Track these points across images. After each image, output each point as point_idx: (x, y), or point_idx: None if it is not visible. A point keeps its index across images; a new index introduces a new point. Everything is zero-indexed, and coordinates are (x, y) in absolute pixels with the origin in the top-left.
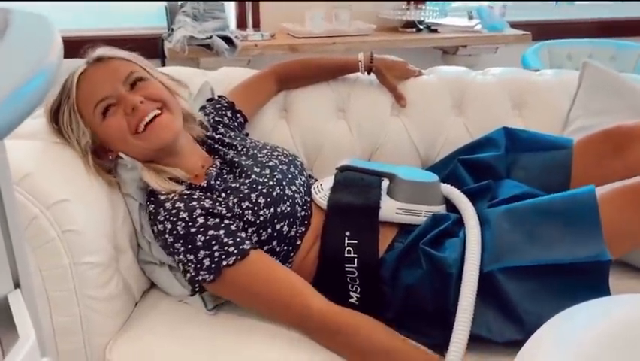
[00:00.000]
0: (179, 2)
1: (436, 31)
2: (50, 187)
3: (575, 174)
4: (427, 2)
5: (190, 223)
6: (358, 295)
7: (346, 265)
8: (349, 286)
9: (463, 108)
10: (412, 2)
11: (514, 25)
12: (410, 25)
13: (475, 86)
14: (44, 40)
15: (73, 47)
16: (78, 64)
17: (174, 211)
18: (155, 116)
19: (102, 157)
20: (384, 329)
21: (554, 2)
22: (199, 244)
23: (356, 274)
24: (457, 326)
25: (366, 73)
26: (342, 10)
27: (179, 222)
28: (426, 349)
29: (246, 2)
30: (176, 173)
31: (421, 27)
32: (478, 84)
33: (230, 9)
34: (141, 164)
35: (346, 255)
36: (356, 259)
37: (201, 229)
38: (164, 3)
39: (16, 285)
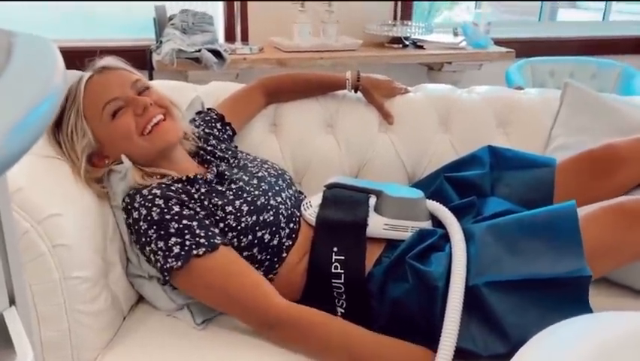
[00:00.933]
0: (168, 15)
1: (421, 47)
2: (41, 202)
3: (557, 193)
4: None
5: (165, 210)
6: (343, 310)
7: (333, 281)
8: (336, 300)
9: (449, 125)
10: (399, 18)
11: (498, 42)
12: (396, 41)
13: (461, 103)
14: (49, 64)
15: (64, 58)
16: (76, 74)
17: (150, 197)
18: (160, 121)
19: (96, 164)
20: (356, 326)
21: (537, 20)
22: (172, 230)
23: (342, 289)
24: (443, 338)
25: (353, 91)
26: (329, 25)
27: (154, 208)
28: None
29: (235, 14)
30: (167, 172)
31: (407, 43)
32: (464, 102)
33: (219, 22)
34: (134, 165)
35: (333, 270)
36: (343, 275)
37: (175, 217)
38: (153, 15)
39: (12, 302)
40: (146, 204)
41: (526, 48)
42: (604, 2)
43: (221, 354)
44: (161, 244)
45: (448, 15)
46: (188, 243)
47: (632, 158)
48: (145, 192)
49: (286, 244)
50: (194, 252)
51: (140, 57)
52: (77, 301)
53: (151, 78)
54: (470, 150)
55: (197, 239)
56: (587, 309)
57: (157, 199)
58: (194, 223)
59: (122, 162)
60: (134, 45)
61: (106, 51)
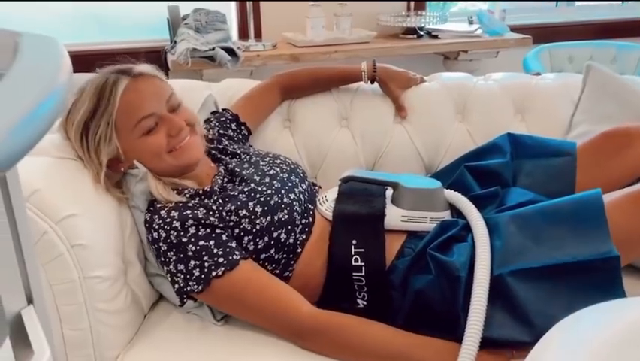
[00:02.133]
0: (182, 15)
1: (436, 37)
2: (59, 202)
3: (579, 178)
4: (428, 4)
5: (182, 233)
6: (365, 303)
7: (354, 274)
8: (357, 293)
9: (466, 114)
10: (413, 8)
11: (514, 29)
12: (411, 31)
13: (478, 91)
14: (54, 62)
15: (78, 61)
16: (102, 72)
17: (168, 220)
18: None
19: (111, 169)
20: (388, 326)
21: (554, 4)
22: (190, 253)
23: (364, 282)
24: (468, 328)
25: (369, 82)
26: (342, 18)
27: (172, 231)
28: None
29: (247, 11)
30: (185, 183)
31: (421, 33)
32: (480, 90)
33: (232, 19)
34: (151, 174)
35: (354, 263)
36: (363, 267)
37: (192, 239)
38: (167, 15)
39: (29, 301)
40: (165, 226)
41: (543, 34)
42: None
43: (241, 350)
44: (181, 266)
45: (464, 5)
46: (207, 265)
47: None
48: (163, 213)
49: (300, 238)
50: (214, 273)
51: (155, 58)
52: (98, 300)
53: (167, 78)
54: (488, 139)
55: (216, 259)
56: (620, 293)
57: (174, 222)
58: (212, 243)
59: (135, 167)
60: (148, 46)
61: (122, 53)
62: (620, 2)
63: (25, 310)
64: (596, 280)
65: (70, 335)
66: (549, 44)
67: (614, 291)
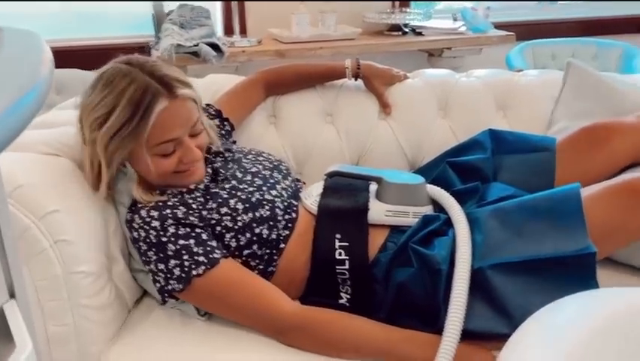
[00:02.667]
0: (166, 11)
1: (420, 34)
2: (42, 198)
3: (559, 172)
4: (412, 3)
5: (162, 232)
6: (349, 296)
7: (337, 267)
8: (340, 287)
9: (449, 111)
10: (397, 6)
11: (498, 26)
12: (395, 28)
13: (460, 88)
14: (36, 56)
15: (62, 56)
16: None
17: (148, 219)
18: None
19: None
20: (369, 320)
21: (537, 2)
22: (170, 253)
23: (347, 275)
24: (449, 320)
25: (353, 79)
26: (328, 15)
27: (151, 231)
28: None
29: (232, 8)
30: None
31: (406, 30)
32: (463, 87)
33: (217, 15)
34: (137, 176)
35: (337, 257)
36: (347, 261)
37: (172, 239)
38: (152, 11)
39: (12, 295)
40: (144, 226)
41: (526, 31)
42: None
43: (224, 345)
44: (161, 266)
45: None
46: (187, 263)
47: (622, 130)
48: (143, 213)
49: (283, 234)
50: (194, 272)
51: (139, 54)
52: (81, 296)
53: None
54: (470, 135)
55: (196, 258)
56: (594, 287)
57: (153, 221)
58: (192, 242)
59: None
60: (133, 42)
61: (106, 49)
62: (601, 1)
63: (7, 305)
64: (572, 275)
65: (53, 330)
66: (532, 41)
67: (589, 285)
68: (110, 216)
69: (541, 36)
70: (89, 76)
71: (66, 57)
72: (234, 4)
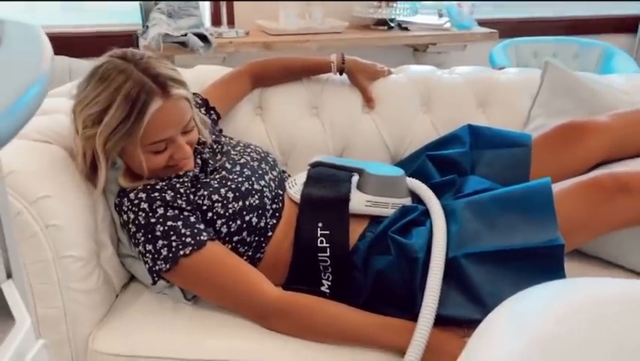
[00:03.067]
0: (154, 0)
1: (406, 29)
2: (33, 184)
3: (533, 169)
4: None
5: (150, 214)
6: (330, 283)
7: (319, 254)
8: (322, 274)
9: (430, 106)
10: (384, 1)
11: (482, 23)
12: (382, 23)
13: (442, 84)
14: (37, 49)
15: (52, 44)
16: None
17: (136, 202)
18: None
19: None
20: (347, 306)
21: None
22: (158, 233)
23: (328, 263)
24: (424, 305)
25: (338, 73)
26: (315, 8)
27: (140, 213)
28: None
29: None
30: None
31: (392, 25)
32: (445, 83)
33: (205, 6)
34: (125, 167)
35: (319, 245)
36: (328, 248)
37: (160, 220)
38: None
39: (9, 275)
40: (133, 208)
41: (510, 28)
42: None
43: (211, 329)
44: (149, 247)
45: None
46: (174, 244)
47: (595, 129)
48: (132, 195)
49: (271, 223)
50: (181, 252)
51: (126, 42)
52: (71, 280)
53: None
54: (451, 130)
55: (184, 239)
56: (561, 276)
57: (142, 203)
58: (179, 223)
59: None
60: (120, 30)
61: (94, 37)
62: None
63: (5, 284)
64: (542, 265)
65: (43, 313)
66: (515, 39)
67: (557, 275)
68: (99, 203)
69: (524, 34)
70: (78, 63)
71: (54, 44)
72: None
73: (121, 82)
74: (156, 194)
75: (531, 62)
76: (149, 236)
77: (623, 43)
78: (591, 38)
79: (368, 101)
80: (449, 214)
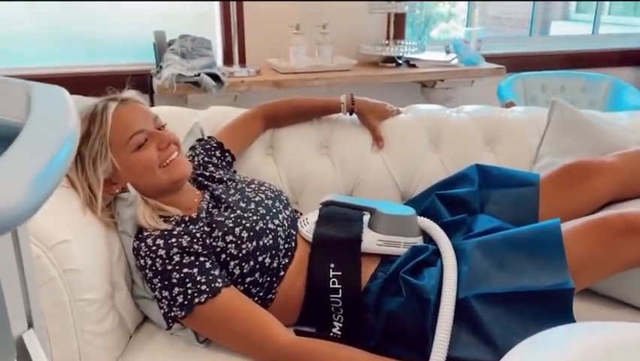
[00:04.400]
0: (167, 40)
1: (414, 66)
2: (52, 229)
3: (542, 208)
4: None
5: (167, 261)
6: (341, 325)
7: (331, 296)
8: (333, 315)
9: (439, 144)
10: (392, 38)
11: (489, 58)
12: (390, 60)
13: (450, 123)
14: (64, 111)
15: (65, 83)
16: (84, 100)
17: (154, 248)
18: (175, 156)
19: (105, 190)
20: (359, 350)
21: (528, 35)
22: (174, 281)
23: (340, 304)
24: (435, 347)
25: (348, 114)
26: (324, 47)
27: (157, 259)
28: None
29: (232, 38)
30: (170, 210)
31: (400, 62)
32: (453, 122)
33: (217, 46)
34: (141, 197)
35: (331, 286)
36: (340, 290)
37: (177, 267)
38: (153, 40)
39: (30, 325)
40: (150, 254)
41: (517, 63)
42: (594, 15)
43: None
44: (165, 293)
45: (445, 27)
46: (190, 291)
47: (602, 169)
48: (149, 241)
49: (283, 262)
50: (197, 300)
51: (141, 82)
52: (86, 322)
53: (152, 102)
54: (459, 168)
55: (199, 286)
56: (570, 320)
57: (159, 250)
58: (195, 271)
59: (127, 191)
60: (135, 70)
61: (108, 76)
62: (591, 34)
63: (27, 334)
64: (550, 307)
65: (58, 356)
66: (522, 73)
67: (566, 317)
68: (114, 245)
69: (532, 68)
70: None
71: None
72: (234, 33)
73: (82, 111)
74: (173, 240)
75: (539, 96)
76: (166, 283)
77: (629, 76)
78: (598, 72)
79: (377, 140)
80: (459, 254)
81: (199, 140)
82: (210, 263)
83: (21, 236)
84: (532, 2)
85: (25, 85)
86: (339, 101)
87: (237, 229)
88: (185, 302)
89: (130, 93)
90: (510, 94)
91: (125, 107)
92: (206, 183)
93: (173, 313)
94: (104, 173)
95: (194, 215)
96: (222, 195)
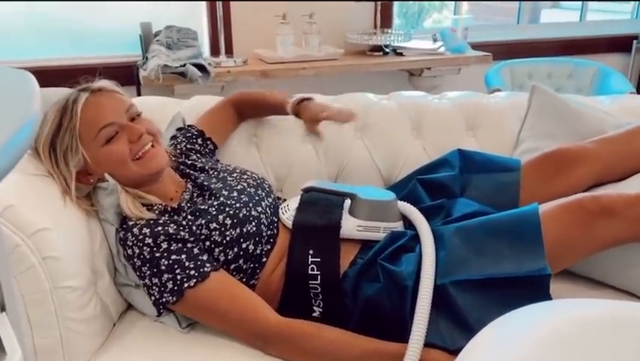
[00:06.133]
0: (154, 31)
1: (401, 54)
2: (31, 217)
3: (522, 194)
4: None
5: (155, 248)
6: (321, 310)
7: (310, 282)
8: (313, 301)
9: (421, 131)
10: (379, 27)
11: (476, 46)
12: (377, 49)
13: (432, 109)
14: (27, 93)
15: (51, 75)
16: (66, 91)
17: (141, 237)
18: (150, 148)
19: (81, 181)
20: (342, 330)
21: (516, 23)
22: (163, 268)
23: (319, 290)
24: (413, 334)
25: (294, 115)
26: (311, 36)
27: (144, 248)
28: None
29: (218, 28)
30: (152, 199)
31: (387, 51)
32: (435, 108)
33: (204, 34)
34: (121, 187)
35: (310, 272)
36: (319, 276)
37: (165, 254)
38: (139, 32)
39: (2, 308)
40: (138, 243)
41: (504, 51)
42: (581, 2)
43: (207, 356)
44: (155, 280)
45: (438, 18)
46: (179, 277)
47: (583, 157)
48: (136, 230)
49: (265, 249)
50: (186, 284)
51: (127, 73)
52: (68, 310)
53: (139, 93)
54: (442, 154)
55: (188, 271)
56: None
57: (146, 238)
58: (183, 256)
59: (105, 180)
60: (121, 62)
61: (94, 68)
62: (578, 21)
63: None
64: (528, 292)
65: (41, 342)
66: (509, 61)
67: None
68: (95, 233)
69: (520, 56)
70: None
71: (57, 76)
72: (220, 23)
73: (56, 101)
74: (159, 228)
75: (526, 83)
76: (155, 270)
77: (617, 63)
78: (585, 58)
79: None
80: (438, 239)
81: (179, 129)
82: (198, 249)
83: None
84: None
85: None
86: (287, 103)
87: (221, 217)
88: (175, 288)
89: (103, 83)
90: (497, 81)
91: (95, 97)
92: (188, 171)
93: (164, 300)
94: (76, 166)
95: (175, 205)
96: (205, 183)
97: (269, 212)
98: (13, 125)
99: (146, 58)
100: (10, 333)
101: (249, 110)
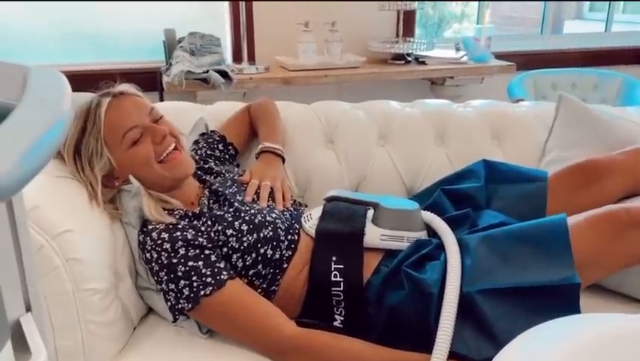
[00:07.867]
0: (177, 38)
1: (424, 63)
2: (56, 219)
3: (550, 205)
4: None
5: (172, 254)
6: (342, 318)
7: (333, 289)
8: (335, 308)
9: (445, 139)
10: (401, 35)
11: (499, 55)
12: (399, 57)
13: (456, 118)
14: (59, 93)
15: (76, 81)
16: (89, 96)
17: (159, 242)
18: (173, 150)
19: (106, 185)
20: (362, 341)
21: (539, 33)
22: (180, 274)
23: (342, 297)
24: (437, 343)
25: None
26: (333, 44)
27: (163, 253)
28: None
29: (241, 35)
30: (175, 203)
31: (409, 59)
32: (459, 116)
33: (227, 43)
34: (144, 190)
35: (333, 279)
36: (342, 283)
37: (182, 260)
38: (163, 38)
39: (28, 309)
40: (156, 248)
41: (528, 61)
42: (607, 13)
43: None
44: (172, 286)
45: (458, 28)
46: (195, 284)
47: (613, 169)
48: (154, 235)
49: (286, 255)
50: (202, 292)
51: (150, 79)
52: (90, 312)
53: (161, 99)
54: (465, 163)
55: (204, 279)
56: (576, 313)
57: (165, 243)
58: (200, 263)
59: (129, 182)
60: (144, 67)
61: (118, 74)
62: (604, 32)
63: (24, 317)
64: (557, 302)
65: (62, 345)
66: (533, 71)
67: (571, 313)
68: (118, 236)
69: (543, 66)
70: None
71: (80, 81)
72: (243, 30)
73: (79, 107)
74: (178, 233)
75: (550, 94)
76: (172, 276)
77: None
78: (611, 69)
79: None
80: (463, 248)
81: (202, 134)
82: (215, 256)
83: (18, 219)
84: (544, 2)
85: (22, 67)
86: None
87: (237, 223)
88: (192, 295)
89: (124, 87)
90: (520, 92)
91: (118, 101)
92: (204, 177)
93: (179, 306)
94: (102, 170)
95: (197, 210)
96: (219, 189)
97: (284, 217)
98: (44, 125)
99: (170, 64)
100: (36, 334)
101: (255, 121)
